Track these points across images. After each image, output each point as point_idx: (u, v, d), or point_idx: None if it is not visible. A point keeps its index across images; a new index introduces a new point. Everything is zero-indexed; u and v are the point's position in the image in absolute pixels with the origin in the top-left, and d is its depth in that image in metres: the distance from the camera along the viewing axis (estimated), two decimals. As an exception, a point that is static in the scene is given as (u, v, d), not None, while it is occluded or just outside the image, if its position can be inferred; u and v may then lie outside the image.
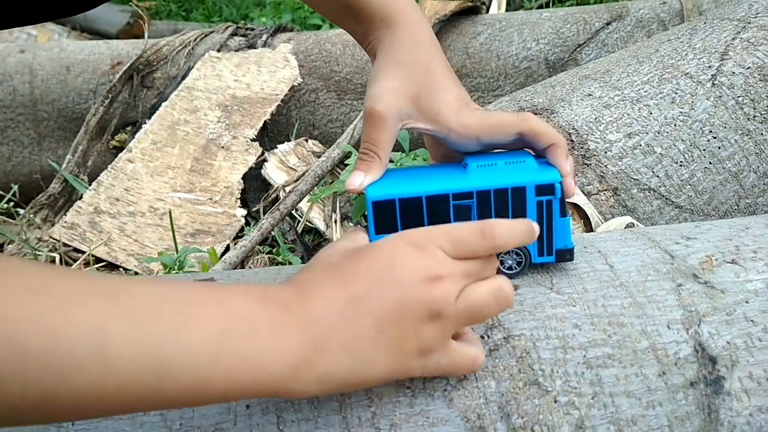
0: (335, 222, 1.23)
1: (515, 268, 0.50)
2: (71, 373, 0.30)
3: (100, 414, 0.33)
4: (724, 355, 0.45)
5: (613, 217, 0.76)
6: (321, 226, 1.24)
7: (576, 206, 0.77)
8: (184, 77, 1.52)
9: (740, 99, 0.84)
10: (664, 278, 0.50)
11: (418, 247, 0.40)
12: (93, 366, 0.30)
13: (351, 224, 1.25)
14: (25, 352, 0.29)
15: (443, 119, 0.50)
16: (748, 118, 0.82)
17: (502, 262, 0.50)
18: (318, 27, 3.15)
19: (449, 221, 0.49)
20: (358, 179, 0.50)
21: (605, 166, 0.80)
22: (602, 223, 0.75)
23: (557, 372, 0.44)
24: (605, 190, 0.78)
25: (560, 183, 0.48)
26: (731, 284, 0.49)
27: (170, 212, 1.14)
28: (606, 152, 0.80)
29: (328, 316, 0.37)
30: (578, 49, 1.62)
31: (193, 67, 1.53)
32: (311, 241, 1.25)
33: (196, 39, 1.61)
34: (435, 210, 0.48)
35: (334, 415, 0.42)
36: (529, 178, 0.48)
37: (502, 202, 0.48)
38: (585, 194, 0.78)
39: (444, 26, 1.62)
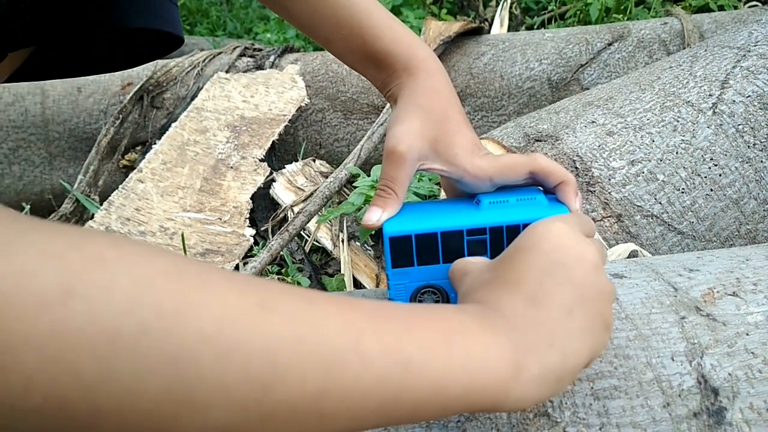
0: (342, 241, 1.25)
1: None
2: (338, 367, 0.30)
3: (357, 418, 0.32)
4: (726, 387, 0.47)
5: (617, 243, 0.78)
6: (328, 245, 1.26)
7: (581, 232, 0.79)
8: (193, 98, 1.55)
9: (740, 127, 0.86)
10: (668, 311, 0.52)
11: (562, 235, 0.42)
12: (353, 362, 0.31)
13: (358, 244, 1.27)
14: (301, 344, 0.29)
15: (459, 161, 0.52)
16: (748, 146, 0.85)
17: None
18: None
19: (463, 255, 0.51)
20: (375, 215, 0.52)
21: (609, 192, 0.82)
22: (607, 249, 0.77)
23: (566, 403, 0.46)
24: (609, 216, 0.80)
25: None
26: (732, 316, 0.51)
27: (182, 234, 1.16)
28: (610, 179, 0.83)
29: (518, 319, 0.38)
30: (580, 69, 1.65)
31: (202, 87, 1.56)
32: (318, 261, 1.27)
33: (204, 60, 1.64)
34: (450, 245, 0.50)
35: (353, 446, 0.44)
36: (539, 214, 0.50)
37: (514, 238, 0.50)
38: (589, 221, 0.80)
39: (448, 47, 1.64)
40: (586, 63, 1.65)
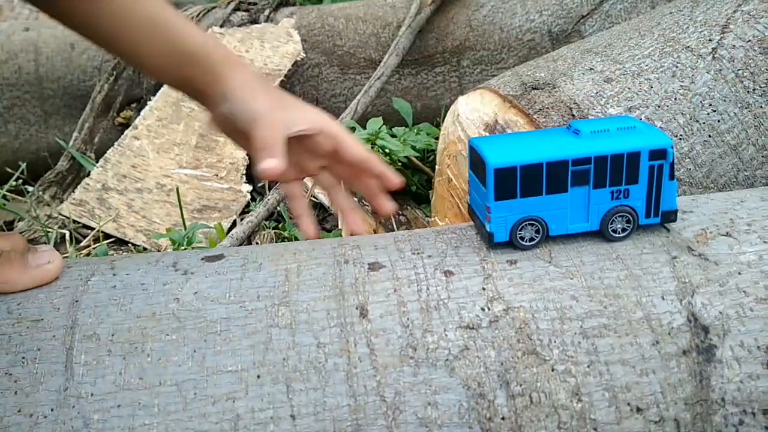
0: (340, 197, 1.24)
1: (622, 232, 0.52)
2: None
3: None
4: (716, 325, 0.47)
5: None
6: (325, 201, 1.25)
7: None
8: (187, 53, 1.52)
9: (740, 72, 0.84)
10: (659, 251, 0.51)
11: None
12: None
13: (355, 199, 1.27)
14: None
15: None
16: (748, 91, 0.83)
17: (611, 224, 0.51)
18: (320, 0, 3.13)
19: (567, 186, 0.51)
20: (272, 163, 0.56)
21: (606, 140, 0.81)
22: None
23: (555, 342, 0.46)
24: (605, 164, 0.79)
25: (672, 147, 0.51)
26: (725, 256, 0.50)
27: (177, 190, 1.16)
28: (606, 126, 0.81)
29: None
30: (582, 21, 1.62)
31: (196, 43, 1.53)
32: (316, 216, 1.27)
33: (198, 15, 1.61)
34: (554, 175, 0.50)
35: (341, 384, 0.44)
36: (643, 143, 0.50)
37: (618, 167, 0.50)
38: (585, 168, 0.79)
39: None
40: (588, 14, 1.61)
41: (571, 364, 0.45)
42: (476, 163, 0.53)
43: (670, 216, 0.52)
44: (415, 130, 1.32)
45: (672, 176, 0.52)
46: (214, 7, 1.65)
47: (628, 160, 0.50)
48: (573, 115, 0.84)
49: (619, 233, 0.52)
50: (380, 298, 0.48)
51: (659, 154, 0.51)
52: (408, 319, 0.47)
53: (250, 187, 1.28)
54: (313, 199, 1.26)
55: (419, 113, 1.55)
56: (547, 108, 0.86)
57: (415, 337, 0.46)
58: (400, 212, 1.28)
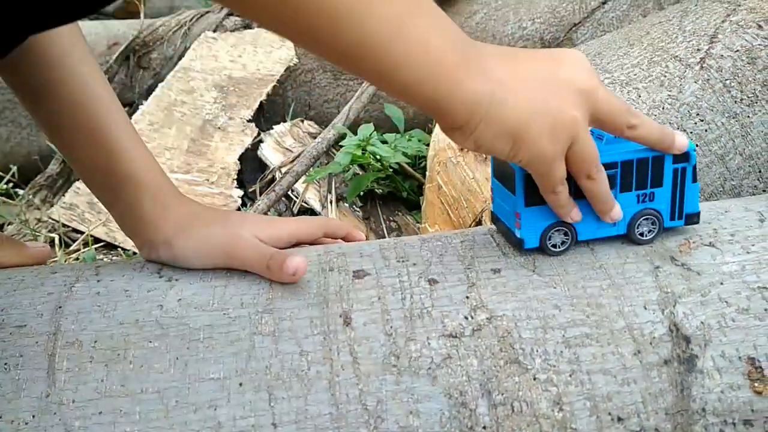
0: (330, 202, 1.24)
1: (649, 234, 0.53)
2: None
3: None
4: (698, 335, 0.47)
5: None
6: (317, 206, 1.25)
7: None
8: (180, 58, 1.52)
9: (728, 82, 0.85)
10: (642, 260, 0.51)
11: (585, 74, 0.47)
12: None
13: (346, 205, 1.27)
14: None
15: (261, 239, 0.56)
16: (735, 101, 0.84)
17: (637, 227, 0.52)
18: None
19: None
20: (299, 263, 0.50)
21: (594, 148, 0.81)
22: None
23: (537, 351, 0.46)
24: (593, 172, 0.80)
25: (694, 150, 0.52)
26: (707, 266, 0.51)
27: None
28: (595, 135, 0.82)
29: (491, 58, 0.45)
30: (574, 29, 1.63)
31: (189, 47, 1.53)
32: (307, 222, 1.27)
33: (192, 19, 1.61)
34: None
35: (324, 393, 0.44)
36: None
37: (643, 170, 0.51)
38: (573, 176, 0.79)
39: (440, 6, 1.61)
40: (580, 22, 1.62)
41: (552, 374, 0.45)
42: (502, 170, 0.53)
43: (694, 218, 0.53)
44: (407, 137, 1.32)
45: (695, 179, 0.53)
46: (207, 12, 1.66)
47: (653, 163, 0.51)
48: (561, 124, 0.84)
49: (645, 236, 0.53)
50: (364, 306, 0.48)
51: (683, 157, 0.52)
52: (391, 327, 0.47)
53: (240, 192, 1.28)
54: (304, 204, 1.26)
55: (412, 119, 1.56)
56: (536, 116, 0.86)
57: (398, 346, 0.46)
58: (391, 218, 1.29)
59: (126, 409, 0.44)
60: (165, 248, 0.54)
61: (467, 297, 0.49)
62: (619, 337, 0.47)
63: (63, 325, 0.48)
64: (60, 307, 0.49)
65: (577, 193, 0.50)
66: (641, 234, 0.52)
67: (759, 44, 0.89)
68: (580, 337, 0.47)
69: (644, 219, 0.52)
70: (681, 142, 0.51)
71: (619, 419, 0.44)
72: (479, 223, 0.91)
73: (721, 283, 0.49)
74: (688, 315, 0.48)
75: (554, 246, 0.52)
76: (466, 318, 0.48)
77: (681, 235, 0.54)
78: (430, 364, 0.46)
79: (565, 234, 0.52)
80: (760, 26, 0.90)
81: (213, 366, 0.45)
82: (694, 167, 0.52)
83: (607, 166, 0.50)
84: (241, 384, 0.44)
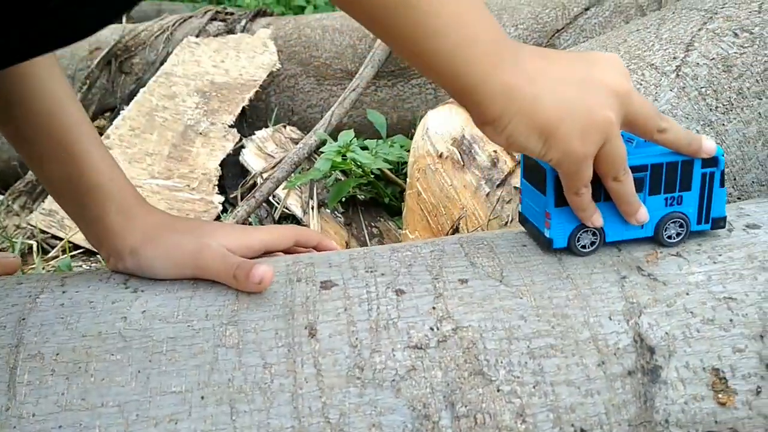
0: (312, 208, 1.24)
1: (676, 237, 0.53)
2: None
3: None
4: (662, 346, 0.47)
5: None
6: (298, 212, 1.25)
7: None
8: (162, 63, 1.52)
9: (703, 90, 0.85)
10: (609, 270, 0.51)
11: (619, 77, 0.48)
12: None
13: (328, 211, 1.26)
14: None
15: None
16: (710, 109, 0.84)
17: (665, 230, 0.53)
18: (302, 8, 3.13)
19: None
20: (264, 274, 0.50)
21: (569, 156, 0.82)
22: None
23: (501, 362, 0.46)
24: (569, 180, 0.80)
25: (723, 155, 0.52)
26: (674, 276, 0.51)
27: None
28: (570, 143, 0.82)
29: (527, 57, 0.47)
30: (556, 35, 1.63)
31: (171, 52, 1.53)
32: (288, 228, 1.26)
33: (174, 24, 1.60)
34: None
35: (286, 406, 0.44)
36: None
37: (672, 174, 0.52)
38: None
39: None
40: (563, 28, 1.63)
41: (516, 385, 0.45)
42: (532, 170, 0.54)
43: (720, 222, 0.54)
44: (389, 143, 1.33)
45: (722, 183, 0.53)
46: (190, 17, 1.65)
47: (682, 167, 0.52)
48: (538, 131, 0.84)
49: (673, 239, 0.53)
50: (330, 318, 0.48)
51: (711, 161, 0.52)
52: (357, 338, 0.47)
53: (221, 198, 1.27)
54: (286, 210, 1.26)
55: (395, 125, 1.56)
56: (513, 124, 0.86)
57: (363, 357, 0.46)
58: (373, 224, 1.28)
59: (86, 423, 0.43)
60: (131, 258, 0.54)
61: (434, 308, 0.49)
62: (583, 347, 0.47)
63: (26, 337, 0.47)
64: (23, 319, 0.49)
65: (606, 195, 0.51)
66: (669, 237, 0.53)
67: (735, 52, 0.90)
68: (544, 348, 0.47)
69: (672, 222, 0.53)
70: (709, 146, 0.52)
71: (582, 431, 0.44)
72: (456, 230, 0.91)
73: (687, 294, 0.50)
74: (653, 325, 0.48)
75: (583, 247, 0.52)
76: (432, 329, 0.48)
77: (648, 245, 0.54)
78: (394, 376, 0.45)
79: (594, 235, 0.52)
80: (735, 34, 0.91)
81: (175, 379, 0.45)
82: (722, 172, 0.53)
83: (637, 168, 0.51)
84: (203, 397, 0.44)
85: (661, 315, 0.48)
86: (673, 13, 0.99)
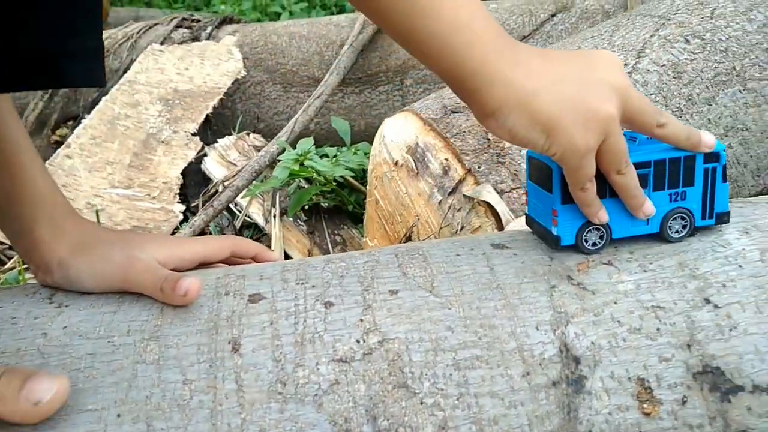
0: (274, 217, 1.23)
1: (682, 231, 0.54)
2: None
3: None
4: (588, 355, 0.47)
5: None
6: (260, 221, 1.24)
7: (488, 204, 0.78)
8: (126, 70, 1.51)
9: (653, 96, 0.86)
10: (539, 280, 0.51)
11: (618, 73, 0.49)
12: None
13: (291, 219, 1.26)
14: None
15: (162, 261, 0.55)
16: (659, 116, 0.85)
17: (669, 225, 0.53)
18: (278, 15, 3.13)
19: None
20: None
21: (519, 164, 0.81)
22: (513, 219, 0.77)
23: (426, 374, 0.46)
24: (518, 187, 0.80)
25: (724, 150, 0.53)
26: (603, 285, 0.51)
27: (97, 212, 1.14)
28: (520, 150, 0.82)
29: (525, 55, 0.48)
30: (523, 41, 1.64)
31: (135, 60, 1.51)
32: (250, 237, 1.25)
33: (139, 31, 1.59)
34: None
35: (205, 423, 0.43)
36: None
37: (675, 170, 0.53)
38: (498, 192, 0.79)
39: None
40: (529, 34, 1.64)
41: (440, 397, 0.45)
42: (537, 171, 0.55)
43: (724, 217, 0.54)
44: (353, 150, 1.32)
45: (725, 179, 0.54)
46: (156, 24, 1.64)
47: (684, 162, 0.53)
48: (488, 139, 0.84)
49: (679, 233, 0.54)
50: (255, 332, 0.48)
51: (713, 157, 0.53)
52: (281, 353, 0.46)
53: (182, 207, 1.26)
54: (248, 218, 1.25)
55: (363, 132, 1.56)
56: (464, 132, 0.86)
57: (286, 372, 0.46)
58: (336, 232, 1.28)
59: (-2, 444, 0.42)
60: (59, 270, 0.53)
61: (361, 320, 0.48)
62: (509, 358, 0.47)
63: (-57, 355, 0.46)
64: (-58, 337, 0.48)
65: (611, 192, 0.52)
66: (675, 232, 0.54)
67: (685, 58, 0.90)
68: (470, 360, 0.47)
69: (676, 217, 0.53)
70: (708, 140, 0.52)
71: (505, 443, 0.44)
72: (409, 238, 0.90)
73: (615, 303, 0.49)
74: (580, 335, 0.48)
75: (593, 245, 0.53)
76: (358, 342, 0.47)
77: (581, 254, 0.54)
78: (317, 391, 0.45)
79: (600, 231, 0.53)
80: (687, 40, 0.91)
81: (91, 396, 0.44)
82: (724, 167, 0.54)
83: (641, 165, 0.51)
84: (119, 415, 0.43)
85: (588, 324, 0.48)
86: (628, 19, 0.99)
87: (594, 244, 0.53)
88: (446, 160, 0.85)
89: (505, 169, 0.81)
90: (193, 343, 0.47)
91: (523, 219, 0.75)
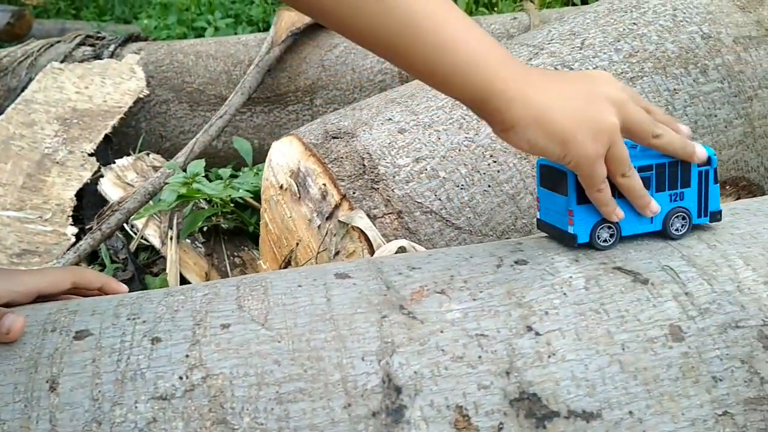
0: (170, 239, 1.22)
1: (682, 229, 0.58)
2: None
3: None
4: (410, 385, 0.48)
5: (396, 239, 0.79)
6: (156, 243, 1.22)
7: (361, 230, 0.80)
8: (24, 89, 1.47)
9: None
10: (372, 310, 0.52)
11: (617, 90, 0.55)
12: None
13: (188, 241, 1.24)
14: None
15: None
16: (528, 142, 0.88)
17: (671, 223, 0.58)
18: (204, 29, 3.10)
19: None
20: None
21: (392, 190, 0.83)
22: (384, 243, 0.78)
23: (247, 409, 0.46)
24: (390, 213, 0.81)
25: (714, 155, 0.59)
26: (432, 314, 0.52)
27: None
28: (394, 176, 0.84)
29: (535, 75, 0.54)
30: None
31: (34, 78, 1.48)
32: (146, 259, 1.24)
33: (40, 49, 1.55)
34: None
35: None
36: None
37: (673, 172, 0.58)
38: (371, 218, 0.81)
39: (300, 38, 1.63)
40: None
41: (258, 432, 0.45)
42: (550, 177, 0.59)
43: (717, 216, 0.60)
44: (255, 170, 1.32)
45: (716, 180, 0.59)
46: (59, 41, 1.60)
47: (681, 166, 0.58)
48: (364, 165, 0.86)
49: (680, 230, 0.58)
50: (75, 370, 0.47)
51: (706, 161, 0.59)
52: (100, 391, 0.46)
53: (75, 230, 1.23)
54: (144, 241, 1.23)
55: (261, 150, 1.55)
56: (342, 157, 0.87)
57: (103, 411, 0.45)
58: (236, 254, 1.27)
59: None
60: None
61: (187, 356, 0.48)
62: (332, 390, 0.48)
63: None
64: None
65: (617, 194, 0.57)
66: (676, 229, 0.58)
67: (559, 87, 0.94)
68: (293, 393, 0.47)
69: (677, 216, 0.58)
70: (701, 153, 0.58)
71: (318, 476, 0.45)
72: (288, 263, 0.91)
73: (441, 331, 0.51)
74: (403, 365, 0.49)
75: (604, 241, 0.57)
76: (181, 378, 0.47)
77: (418, 283, 0.55)
78: (133, 429, 0.45)
79: (611, 229, 0.57)
80: (556, 69, 0.95)
81: None
82: (716, 170, 0.59)
83: (644, 168, 0.57)
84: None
85: (412, 354, 0.50)
86: (507, 47, 1.03)
87: (605, 241, 0.57)
88: (324, 185, 0.87)
89: (379, 194, 0.83)
90: (10, 382, 0.46)
91: (393, 243, 0.77)
